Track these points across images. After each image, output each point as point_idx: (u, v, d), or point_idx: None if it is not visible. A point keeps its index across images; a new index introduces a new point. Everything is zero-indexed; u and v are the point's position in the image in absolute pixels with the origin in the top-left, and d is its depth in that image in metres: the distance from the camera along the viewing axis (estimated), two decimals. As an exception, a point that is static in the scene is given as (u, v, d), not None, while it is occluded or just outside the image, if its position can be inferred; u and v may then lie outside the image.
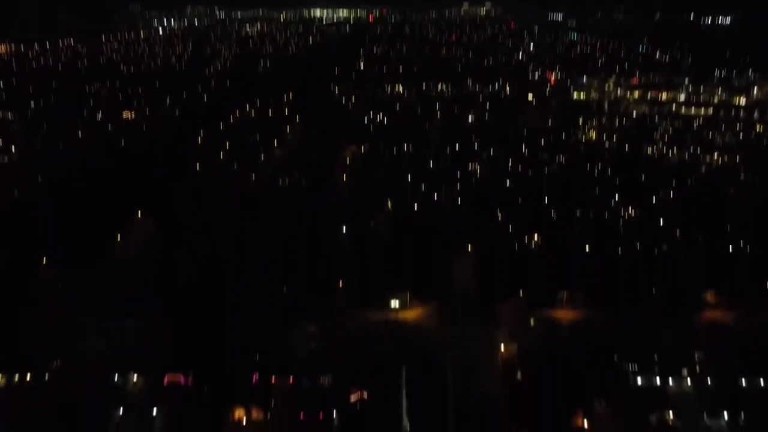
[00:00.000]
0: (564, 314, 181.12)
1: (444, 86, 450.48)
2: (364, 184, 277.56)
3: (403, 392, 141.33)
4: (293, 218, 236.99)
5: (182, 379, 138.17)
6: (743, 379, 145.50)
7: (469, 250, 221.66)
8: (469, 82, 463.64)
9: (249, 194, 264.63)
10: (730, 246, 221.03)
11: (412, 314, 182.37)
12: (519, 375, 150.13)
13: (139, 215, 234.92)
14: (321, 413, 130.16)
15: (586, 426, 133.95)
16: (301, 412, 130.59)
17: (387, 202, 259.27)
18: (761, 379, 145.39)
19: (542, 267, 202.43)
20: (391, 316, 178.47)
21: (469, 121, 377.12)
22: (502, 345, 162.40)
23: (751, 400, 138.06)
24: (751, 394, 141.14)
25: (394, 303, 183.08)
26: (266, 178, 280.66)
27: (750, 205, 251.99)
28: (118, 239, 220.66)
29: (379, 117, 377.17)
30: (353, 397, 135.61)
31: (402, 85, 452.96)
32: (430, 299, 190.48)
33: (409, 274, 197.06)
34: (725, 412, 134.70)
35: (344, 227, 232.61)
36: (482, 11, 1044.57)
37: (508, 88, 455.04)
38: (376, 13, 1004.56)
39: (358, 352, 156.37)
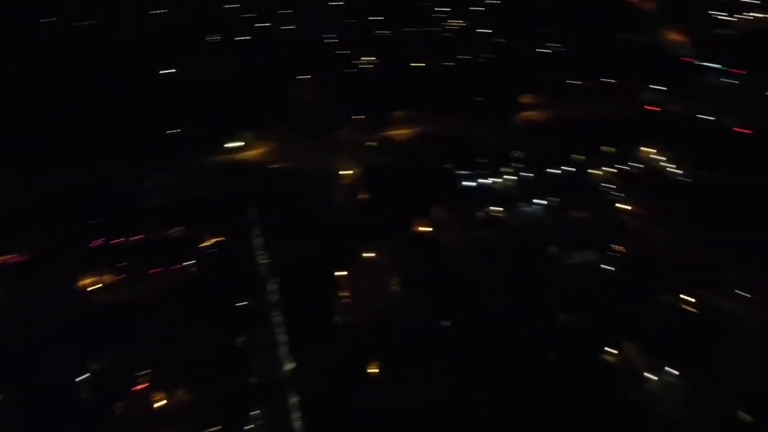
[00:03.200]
0: (401, 131, 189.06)
1: None
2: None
3: (257, 231, 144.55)
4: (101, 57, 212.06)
5: (17, 258, 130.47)
6: (559, 168, 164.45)
7: (305, 75, 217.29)
8: None
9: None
10: (546, 48, 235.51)
11: (255, 152, 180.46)
12: (364, 195, 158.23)
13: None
14: (175, 265, 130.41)
15: (428, 229, 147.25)
16: (154, 268, 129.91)
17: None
18: (569, 166, 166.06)
19: (377, 86, 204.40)
20: (233, 158, 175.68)
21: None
22: (345, 168, 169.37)
23: (564, 185, 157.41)
24: (564, 180, 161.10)
25: (235, 143, 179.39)
26: None
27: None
28: None
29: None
30: (206, 244, 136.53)
31: None
32: (271, 132, 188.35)
33: (246, 107, 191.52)
34: (543, 200, 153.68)
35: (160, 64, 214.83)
36: None
37: None
38: None
39: (204, 198, 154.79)
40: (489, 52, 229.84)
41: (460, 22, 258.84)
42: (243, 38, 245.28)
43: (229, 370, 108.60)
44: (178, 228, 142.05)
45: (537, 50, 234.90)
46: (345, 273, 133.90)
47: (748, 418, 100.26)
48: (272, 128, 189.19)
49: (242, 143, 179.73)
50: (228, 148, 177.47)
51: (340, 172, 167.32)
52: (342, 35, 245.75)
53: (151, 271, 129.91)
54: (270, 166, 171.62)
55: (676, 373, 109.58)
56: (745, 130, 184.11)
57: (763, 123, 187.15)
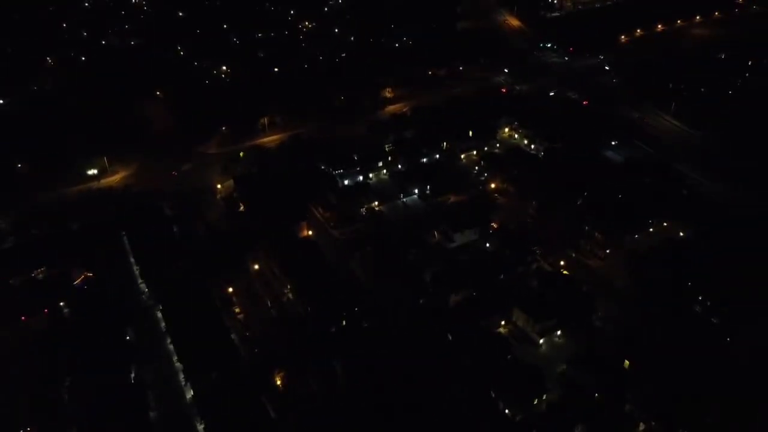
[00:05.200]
0: (269, 139, 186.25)
1: None
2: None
3: (131, 259, 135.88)
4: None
5: None
6: (429, 157, 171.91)
7: (158, 94, 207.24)
8: None
9: None
10: (397, 43, 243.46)
11: (115, 177, 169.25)
12: (242, 205, 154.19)
13: None
14: (44, 308, 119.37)
15: (311, 233, 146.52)
16: (21, 315, 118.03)
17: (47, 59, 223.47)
18: (437, 154, 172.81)
19: (238, 98, 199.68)
20: (93, 185, 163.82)
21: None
22: (219, 181, 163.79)
23: (431, 173, 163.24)
24: (428, 168, 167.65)
25: (92, 170, 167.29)
26: None
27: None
28: None
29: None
30: (77, 280, 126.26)
31: None
32: (129, 154, 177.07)
33: (95, 131, 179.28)
34: (414, 189, 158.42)
35: None
36: None
37: None
38: None
39: (69, 232, 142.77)
40: (342, 51, 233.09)
41: (309, 24, 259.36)
42: (83, 58, 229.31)
43: (126, 408, 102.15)
44: (40, 269, 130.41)
45: (388, 46, 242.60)
46: (234, 288, 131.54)
47: (626, 364, 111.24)
48: (128, 150, 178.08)
49: (97, 169, 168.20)
50: (83, 176, 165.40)
51: (216, 185, 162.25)
52: (185, 47, 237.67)
53: (15, 322, 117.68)
54: (133, 188, 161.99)
55: (560, 333, 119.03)
56: (584, 102, 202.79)
57: (595, 94, 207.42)
